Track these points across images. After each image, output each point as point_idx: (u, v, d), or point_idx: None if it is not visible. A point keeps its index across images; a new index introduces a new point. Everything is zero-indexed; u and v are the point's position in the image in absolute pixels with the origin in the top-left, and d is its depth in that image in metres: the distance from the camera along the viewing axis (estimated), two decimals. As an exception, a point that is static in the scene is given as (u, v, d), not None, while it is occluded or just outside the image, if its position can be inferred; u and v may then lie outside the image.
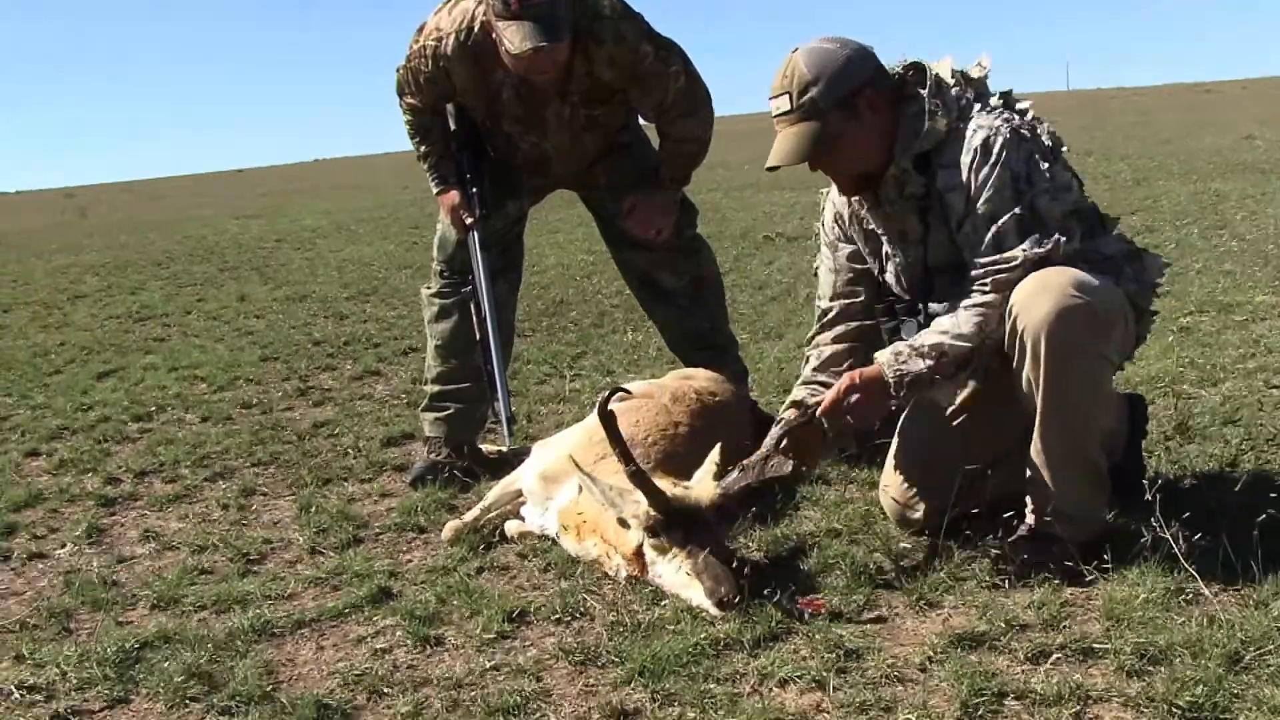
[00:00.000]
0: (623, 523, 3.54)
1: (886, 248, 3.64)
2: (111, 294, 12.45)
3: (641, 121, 4.96)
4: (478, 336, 4.81)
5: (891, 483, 3.81)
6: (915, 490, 3.74)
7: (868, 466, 4.31)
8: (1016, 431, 3.41)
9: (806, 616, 3.18)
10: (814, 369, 3.80)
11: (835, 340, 3.80)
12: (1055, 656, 2.88)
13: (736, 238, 12.44)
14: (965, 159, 3.36)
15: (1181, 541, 3.12)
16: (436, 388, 5.00)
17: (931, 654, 2.95)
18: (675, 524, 3.42)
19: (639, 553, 3.51)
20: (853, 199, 3.70)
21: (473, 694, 2.98)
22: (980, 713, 2.68)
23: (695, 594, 3.30)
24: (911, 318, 3.57)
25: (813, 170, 3.57)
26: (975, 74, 3.51)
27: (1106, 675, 2.79)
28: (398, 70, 4.74)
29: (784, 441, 3.58)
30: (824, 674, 2.88)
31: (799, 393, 3.75)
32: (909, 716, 2.67)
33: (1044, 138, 3.39)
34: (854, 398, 3.41)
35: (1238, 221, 10.48)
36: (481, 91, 4.62)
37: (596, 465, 3.85)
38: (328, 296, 10.90)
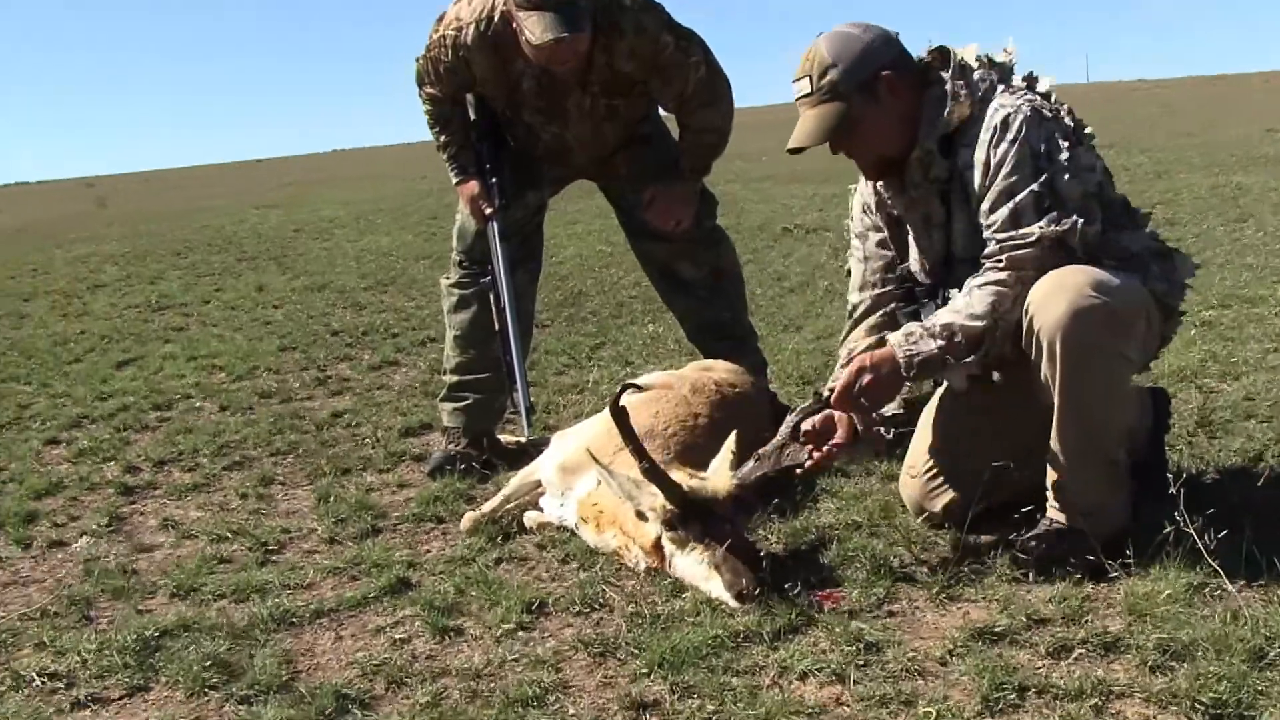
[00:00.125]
0: (641, 515, 3.53)
1: (911, 234, 3.63)
2: (131, 283, 12.48)
3: (662, 113, 4.94)
4: (497, 327, 4.80)
5: (912, 475, 3.79)
6: (935, 483, 3.72)
7: (888, 459, 4.28)
8: (1037, 426, 3.38)
9: (826, 610, 3.17)
10: (843, 366, 3.75)
11: (868, 332, 3.76)
12: (1077, 651, 2.86)
13: (755, 230, 12.41)
14: (984, 135, 3.34)
15: (1205, 536, 3.09)
16: (455, 378, 4.99)
17: (952, 648, 2.93)
18: (692, 517, 3.41)
19: (657, 545, 3.50)
20: (879, 186, 3.69)
21: (491, 685, 2.98)
22: (1001, 707, 2.67)
23: (714, 586, 3.30)
24: (931, 301, 3.55)
25: (834, 153, 3.58)
26: (1000, 58, 3.49)
27: (1129, 671, 2.77)
28: (417, 60, 4.73)
29: (799, 429, 3.56)
30: (844, 667, 2.87)
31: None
32: (929, 710, 2.66)
33: (1066, 118, 3.36)
34: (866, 379, 3.35)
35: (1259, 215, 10.42)
36: (502, 81, 4.61)
37: (615, 456, 3.84)
38: (346, 286, 10.91)
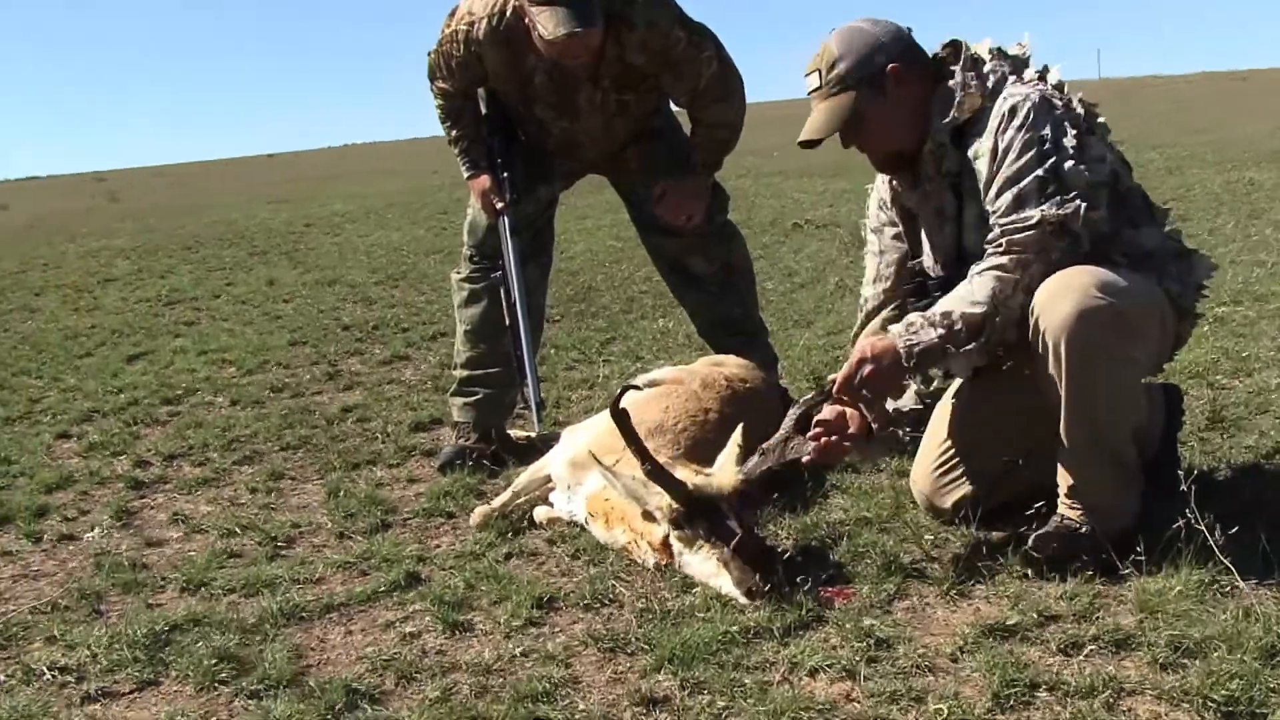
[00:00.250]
0: (648, 515, 3.53)
1: (924, 228, 3.62)
2: (142, 278, 12.51)
3: (674, 107, 4.93)
4: (507, 321, 4.80)
5: (922, 471, 3.79)
6: (946, 480, 3.72)
7: (898, 455, 4.28)
8: (1047, 422, 3.36)
9: (836, 606, 3.17)
10: None
11: (881, 326, 3.75)
12: (1088, 648, 2.86)
13: (766, 225, 12.40)
14: (993, 123, 3.33)
15: (1216, 533, 3.08)
16: (465, 373, 4.99)
17: (963, 644, 2.93)
18: (699, 515, 3.40)
19: (666, 543, 3.50)
20: (893, 182, 3.69)
21: (501, 680, 2.98)
22: (1012, 704, 2.66)
23: (724, 583, 3.29)
24: (944, 295, 3.54)
25: (845, 146, 3.59)
26: (1013, 51, 3.48)
27: (1140, 668, 2.77)
28: (429, 55, 4.73)
29: (802, 422, 3.55)
30: (854, 663, 2.87)
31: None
32: (940, 707, 2.65)
33: (1077, 108, 3.34)
34: (867, 370, 3.32)
35: (1272, 211, 10.39)
36: (513, 76, 4.61)
37: (624, 453, 3.84)
38: (356, 281, 10.92)
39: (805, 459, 3.53)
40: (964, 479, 3.66)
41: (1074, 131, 3.26)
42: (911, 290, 3.67)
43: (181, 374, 7.20)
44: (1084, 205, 3.20)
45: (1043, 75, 3.42)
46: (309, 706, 2.89)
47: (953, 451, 3.71)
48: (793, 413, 3.58)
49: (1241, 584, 3.03)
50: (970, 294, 3.26)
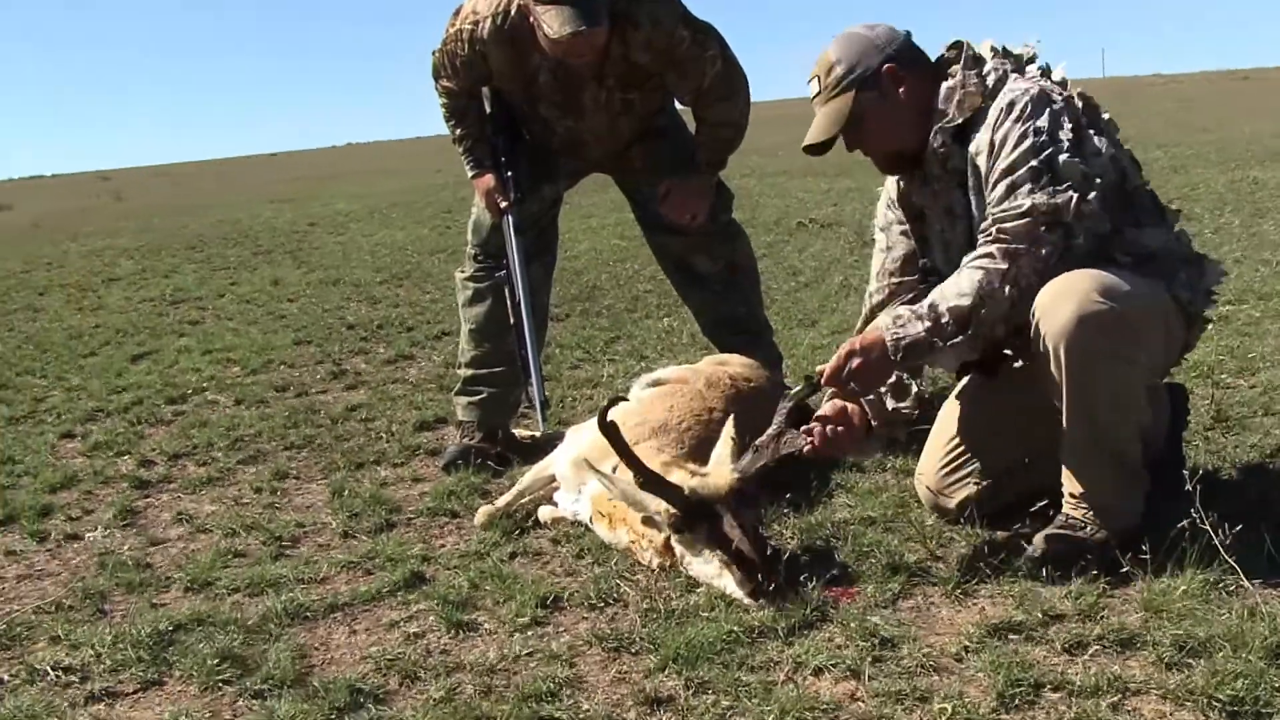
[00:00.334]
0: (649, 521, 3.53)
1: (936, 226, 3.62)
2: (146, 277, 12.51)
3: (678, 106, 4.93)
4: (512, 320, 4.80)
5: (927, 470, 3.79)
6: (951, 479, 3.72)
7: (903, 454, 4.28)
8: (1052, 422, 3.36)
9: (841, 606, 3.17)
10: None
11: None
12: (1093, 648, 2.86)
13: (770, 224, 12.38)
14: (990, 118, 3.34)
15: (1221, 532, 3.07)
16: (470, 372, 4.99)
17: (968, 644, 2.93)
18: (698, 517, 3.40)
19: (668, 546, 3.50)
20: (900, 183, 3.71)
21: (505, 680, 2.98)
22: (1017, 703, 2.66)
23: (727, 584, 3.29)
24: None
25: (850, 150, 3.63)
26: (1018, 50, 3.48)
27: (1145, 667, 2.76)
28: (434, 53, 4.73)
29: (793, 416, 3.55)
30: (859, 663, 2.87)
31: None
32: (945, 706, 2.65)
33: (1077, 102, 3.33)
34: (855, 363, 3.31)
35: (1277, 210, 10.37)
36: (518, 75, 4.61)
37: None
38: (361, 280, 10.92)
39: (805, 449, 3.52)
40: (969, 479, 3.66)
41: (1070, 125, 3.25)
42: (919, 285, 3.68)
43: (186, 373, 7.20)
44: (1076, 196, 3.18)
45: (1045, 73, 3.42)
46: (313, 706, 2.89)
47: (958, 451, 3.71)
48: (782, 407, 3.57)
49: (1246, 583, 3.03)
50: (957, 286, 3.25)
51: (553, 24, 4.16)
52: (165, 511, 4.64)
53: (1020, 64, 3.44)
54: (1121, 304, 3.14)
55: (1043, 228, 3.19)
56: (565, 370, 6.50)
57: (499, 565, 3.72)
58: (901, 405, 3.68)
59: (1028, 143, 3.23)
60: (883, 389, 3.63)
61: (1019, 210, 3.20)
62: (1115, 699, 2.64)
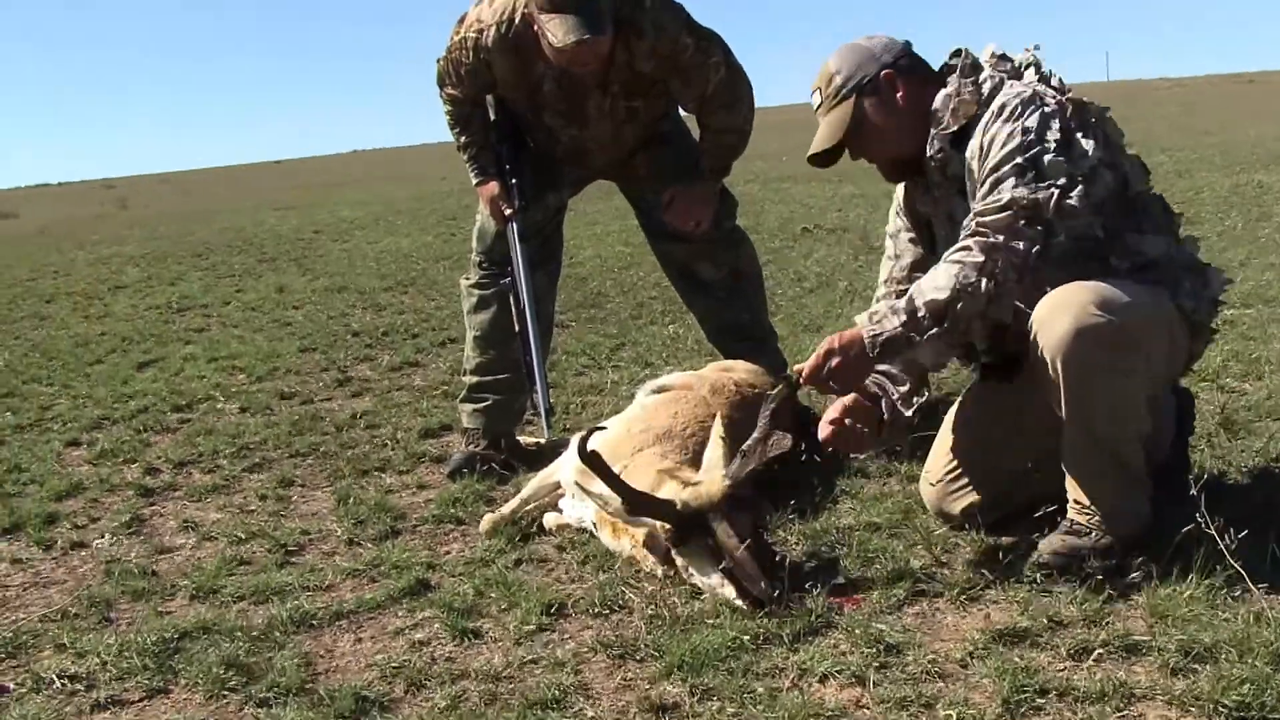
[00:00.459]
0: (650, 539, 3.53)
1: (939, 232, 3.62)
2: (151, 285, 12.53)
3: (682, 113, 4.94)
4: (516, 328, 4.80)
5: (932, 476, 3.79)
6: (955, 486, 3.71)
7: (908, 459, 4.28)
8: (1058, 429, 3.36)
9: (846, 612, 3.17)
10: None
11: None
12: (1098, 653, 2.85)
13: (775, 230, 12.39)
14: (983, 122, 3.34)
15: (1227, 537, 3.07)
16: (475, 379, 4.99)
17: (972, 650, 2.93)
18: (695, 529, 3.38)
19: (669, 557, 3.49)
20: (907, 188, 3.72)
21: (510, 687, 2.98)
22: (1022, 710, 2.66)
23: (730, 593, 3.28)
24: None
25: (854, 158, 3.65)
26: (1016, 57, 3.48)
27: (1150, 673, 2.76)
28: (438, 61, 4.74)
29: (777, 418, 3.55)
30: (864, 669, 2.86)
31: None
32: (950, 713, 2.65)
33: (1069, 107, 3.31)
34: (834, 362, 3.31)
35: (1281, 213, 10.38)
36: (522, 83, 4.61)
37: (634, 458, 3.85)
38: (366, 288, 10.92)
39: (821, 440, 3.59)
40: (973, 485, 3.66)
41: (1059, 126, 3.23)
42: None
43: (191, 381, 7.21)
44: (1058, 193, 3.16)
45: (1044, 78, 3.41)
46: (318, 714, 2.90)
47: (962, 458, 3.71)
48: (766, 409, 3.57)
49: (1253, 588, 3.01)
50: (934, 280, 3.23)
51: (557, 32, 4.16)
52: (171, 519, 4.64)
53: (1018, 70, 3.44)
54: (1120, 316, 3.13)
55: (1021, 222, 3.16)
56: (570, 377, 6.50)
57: (504, 572, 3.72)
58: (908, 413, 3.69)
59: (1015, 141, 3.22)
60: (896, 396, 3.64)
61: (999, 204, 3.18)
62: (1120, 705, 2.64)
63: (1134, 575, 3.18)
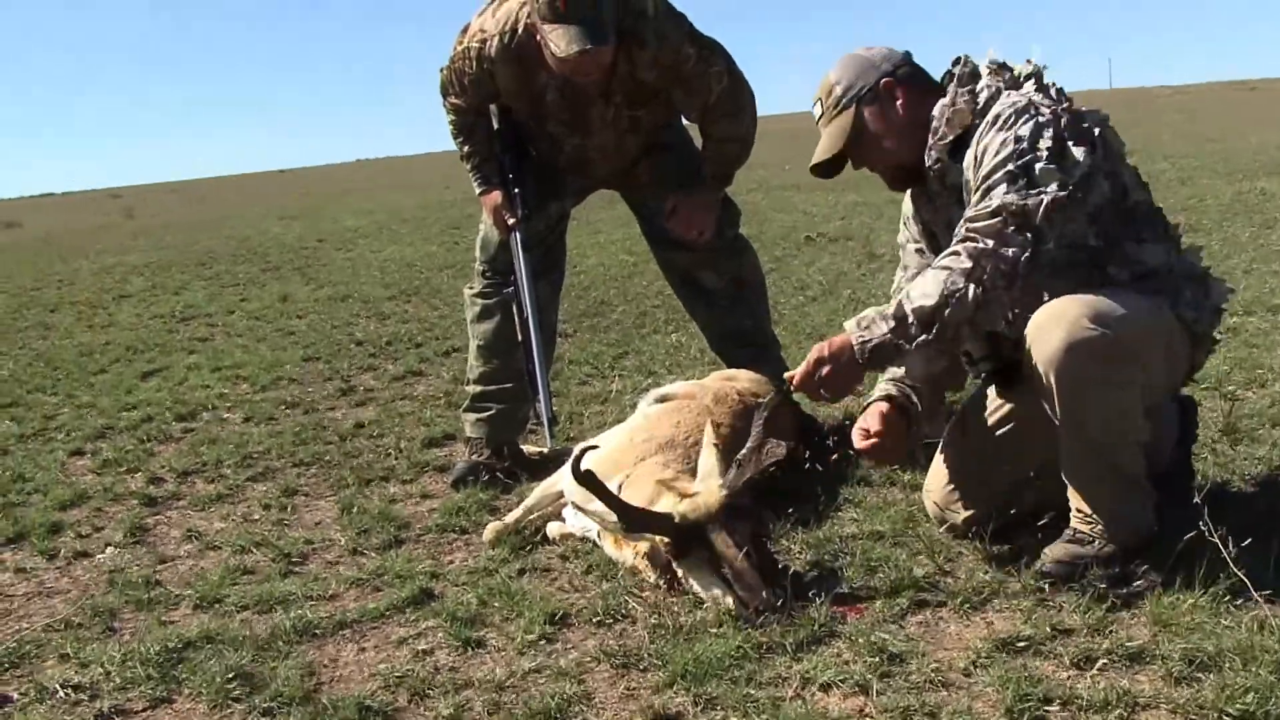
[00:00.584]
0: (652, 554, 3.53)
1: (941, 242, 3.63)
2: (156, 294, 12.55)
3: (685, 121, 4.94)
4: (520, 337, 4.80)
5: (935, 485, 3.79)
6: (958, 493, 3.71)
7: (911, 468, 4.27)
8: (1059, 437, 3.37)
9: (849, 621, 3.17)
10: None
11: None
12: (1102, 662, 2.85)
13: (778, 238, 12.39)
14: (979, 132, 3.34)
15: (1231, 545, 3.06)
16: (478, 388, 5.00)
17: (976, 659, 2.93)
18: (694, 542, 3.38)
19: (670, 569, 3.50)
20: (913, 196, 3.74)
21: (514, 696, 2.98)
22: (1025, 718, 2.65)
23: (732, 603, 3.28)
24: None
25: (856, 167, 3.68)
26: (1016, 66, 3.48)
27: (1154, 681, 2.76)
28: (441, 71, 4.74)
29: (770, 426, 3.56)
30: (867, 678, 2.86)
31: (883, 387, 3.78)
32: (953, 722, 2.65)
33: (1065, 116, 3.29)
34: (825, 370, 3.31)
35: (1285, 221, 10.37)
36: (525, 93, 4.62)
37: (637, 467, 3.85)
38: (370, 297, 10.94)
39: (859, 451, 3.65)
40: (976, 494, 3.66)
41: (1053, 135, 3.22)
42: None
43: (195, 390, 7.22)
44: (1048, 200, 3.14)
45: (1043, 88, 3.40)
46: (322, 724, 2.90)
47: (965, 466, 3.71)
48: (759, 417, 3.57)
49: (1256, 596, 3.01)
50: (923, 286, 3.22)
51: (559, 43, 4.17)
52: (175, 529, 4.64)
53: (1015, 80, 3.43)
54: (1115, 328, 3.11)
55: (1011, 228, 3.14)
56: (574, 386, 6.51)
57: (507, 582, 3.72)
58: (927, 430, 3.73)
59: (1007, 149, 3.21)
60: (920, 406, 3.67)
61: (989, 209, 3.17)
62: (1124, 714, 2.64)
63: (1137, 584, 3.18)
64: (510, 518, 4.19)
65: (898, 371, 3.74)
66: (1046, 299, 3.22)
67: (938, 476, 3.77)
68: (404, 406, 6.43)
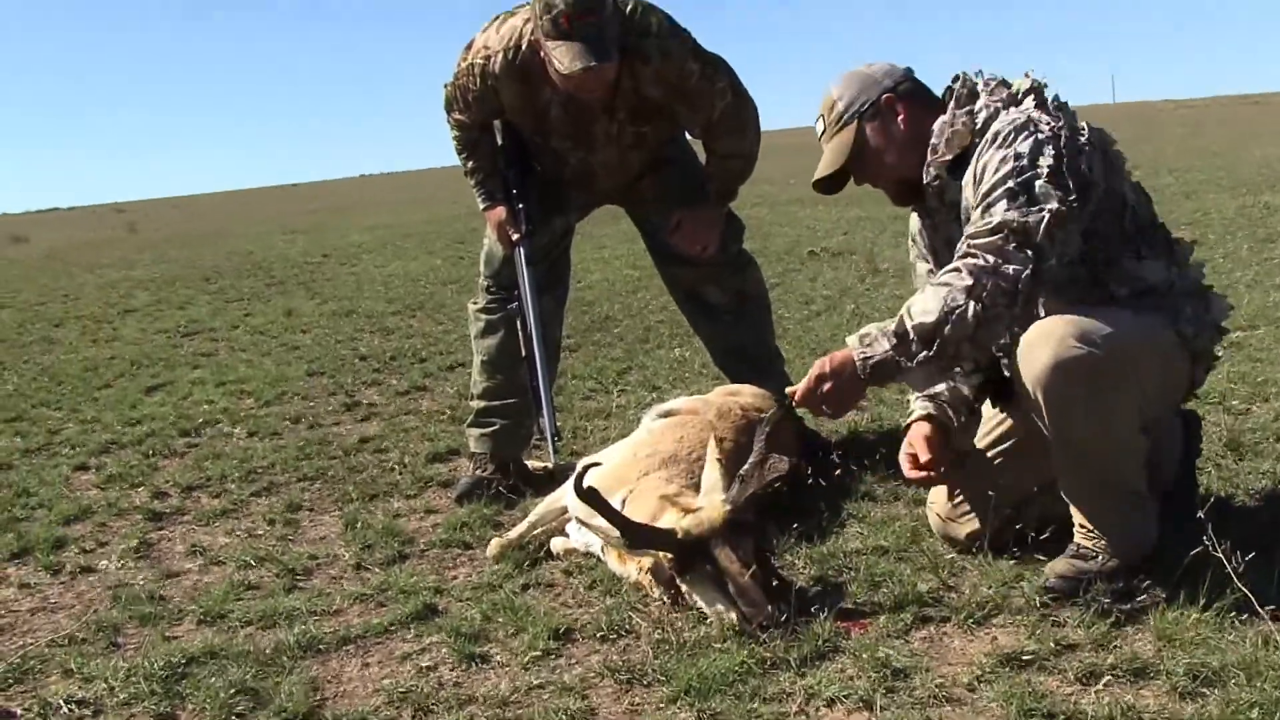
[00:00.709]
0: (656, 569, 3.53)
1: (942, 259, 3.63)
2: (160, 309, 12.57)
3: (689, 137, 4.95)
4: (524, 352, 4.81)
5: (938, 499, 3.79)
6: (961, 508, 3.71)
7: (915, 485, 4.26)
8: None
9: (853, 636, 3.16)
10: None
11: None
12: (1106, 677, 2.85)
13: (781, 253, 12.41)
14: (979, 149, 3.34)
15: (1235, 560, 3.06)
16: (482, 403, 5.00)
17: (980, 673, 2.92)
18: (696, 556, 3.38)
19: (673, 583, 3.49)
20: (918, 212, 3.74)
21: (518, 712, 2.98)
22: (1030, 734, 2.66)
23: (735, 619, 3.28)
24: None
25: (859, 183, 3.69)
26: (1015, 82, 3.48)
27: (1159, 697, 2.76)
28: (445, 87, 4.75)
29: (772, 441, 3.56)
30: (871, 693, 2.86)
31: (921, 406, 3.79)
32: (957, 737, 2.65)
33: (1064, 132, 3.27)
34: (827, 386, 3.29)
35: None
36: (529, 109, 4.63)
37: (640, 482, 3.85)
38: (374, 312, 10.95)
39: (910, 480, 3.73)
40: (979, 509, 3.65)
41: (1052, 151, 3.20)
42: None
43: (199, 405, 7.22)
44: (1049, 218, 3.13)
45: (1043, 104, 3.39)
46: (326, 739, 2.90)
47: (969, 480, 3.70)
48: (762, 432, 3.58)
49: (1260, 611, 3.00)
50: (923, 303, 3.19)
51: (563, 59, 4.18)
52: (179, 544, 4.64)
53: (1014, 97, 3.42)
54: (1102, 347, 3.11)
55: (1012, 244, 3.13)
56: (578, 401, 6.51)
57: (511, 597, 3.72)
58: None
59: (1007, 166, 3.21)
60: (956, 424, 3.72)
61: (990, 226, 3.16)
62: (1129, 729, 2.64)
63: (1141, 599, 3.18)
64: (514, 533, 4.19)
65: (938, 388, 3.75)
66: (1043, 315, 3.22)
67: (941, 491, 3.77)
68: (408, 421, 6.43)
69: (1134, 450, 3.29)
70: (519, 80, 4.52)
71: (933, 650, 3.11)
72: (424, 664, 3.33)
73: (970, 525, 3.67)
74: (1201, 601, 3.07)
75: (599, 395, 6.64)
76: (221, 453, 5.99)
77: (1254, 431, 4.62)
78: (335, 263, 16.43)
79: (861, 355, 3.22)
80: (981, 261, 3.14)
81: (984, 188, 3.23)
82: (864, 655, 3.03)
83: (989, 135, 3.31)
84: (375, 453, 5.79)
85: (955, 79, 3.54)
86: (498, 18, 4.59)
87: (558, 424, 4.86)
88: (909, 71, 3.62)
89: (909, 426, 3.80)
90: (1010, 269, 3.12)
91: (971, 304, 3.12)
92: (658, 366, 7.27)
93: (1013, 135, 3.25)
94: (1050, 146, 3.20)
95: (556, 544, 4.11)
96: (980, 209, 3.23)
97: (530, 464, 5.07)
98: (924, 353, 3.17)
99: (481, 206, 4.92)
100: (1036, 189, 3.16)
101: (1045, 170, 3.17)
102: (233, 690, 3.16)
